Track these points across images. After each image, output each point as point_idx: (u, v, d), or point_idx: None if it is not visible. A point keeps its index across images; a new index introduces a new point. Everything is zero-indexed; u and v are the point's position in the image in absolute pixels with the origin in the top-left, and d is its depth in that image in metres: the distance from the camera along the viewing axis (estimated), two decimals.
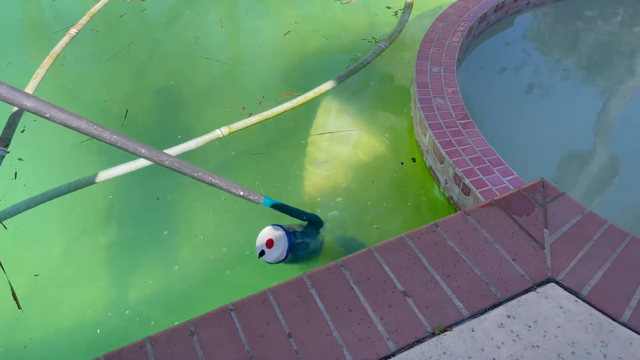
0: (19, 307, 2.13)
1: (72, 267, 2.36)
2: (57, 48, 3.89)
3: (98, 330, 2.09)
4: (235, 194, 1.84)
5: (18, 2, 4.97)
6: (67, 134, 3.14)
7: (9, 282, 2.19)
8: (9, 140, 2.89)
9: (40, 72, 3.58)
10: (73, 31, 4.14)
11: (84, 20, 4.36)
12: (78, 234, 2.52)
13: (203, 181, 1.71)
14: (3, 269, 2.24)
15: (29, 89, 3.40)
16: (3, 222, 2.28)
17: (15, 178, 2.77)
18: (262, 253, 2.04)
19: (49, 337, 2.08)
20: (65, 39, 4.03)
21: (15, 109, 3.20)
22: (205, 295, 2.21)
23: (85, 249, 2.44)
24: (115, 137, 1.44)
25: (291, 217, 2.22)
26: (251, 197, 1.90)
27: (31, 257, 2.41)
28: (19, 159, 2.90)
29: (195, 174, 1.67)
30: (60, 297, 2.24)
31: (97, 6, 4.59)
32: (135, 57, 3.96)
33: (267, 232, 2.07)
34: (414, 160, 2.78)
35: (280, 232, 2.03)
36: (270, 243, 2.03)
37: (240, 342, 1.34)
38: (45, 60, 3.73)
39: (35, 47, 4.12)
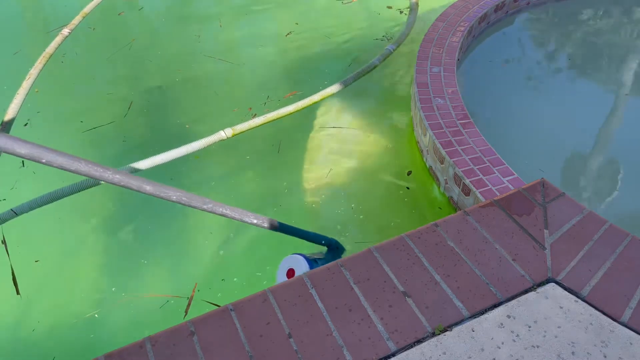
0: (18, 293, 2.19)
1: (71, 256, 2.39)
2: (50, 49, 3.89)
3: (96, 315, 2.13)
4: (247, 222, 1.73)
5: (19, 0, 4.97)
6: (69, 125, 3.17)
7: (12, 267, 2.27)
8: None
9: (33, 73, 3.58)
10: (66, 31, 4.14)
11: (76, 20, 4.35)
12: (78, 225, 2.54)
13: (214, 212, 1.61)
14: (7, 253, 2.31)
15: (23, 89, 3.41)
16: (13, 209, 2.35)
17: (23, 166, 2.82)
18: None
19: (54, 320, 2.12)
20: (57, 39, 4.02)
21: (11, 114, 3.20)
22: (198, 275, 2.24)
23: (86, 238, 2.47)
24: (117, 177, 1.33)
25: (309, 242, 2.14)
26: (265, 225, 1.79)
27: (33, 244, 2.44)
28: None
29: (204, 206, 1.56)
30: (62, 283, 2.28)
31: (90, 5, 4.58)
32: (137, 54, 3.97)
33: (288, 262, 1.97)
34: (409, 173, 2.76)
35: (302, 262, 1.93)
36: (291, 273, 1.95)
37: (240, 342, 1.34)
38: (39, 60, 3.73)
39: (36, 43, 4.13)
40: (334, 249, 2.17)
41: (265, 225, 1.78)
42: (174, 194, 1.45)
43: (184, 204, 1.49)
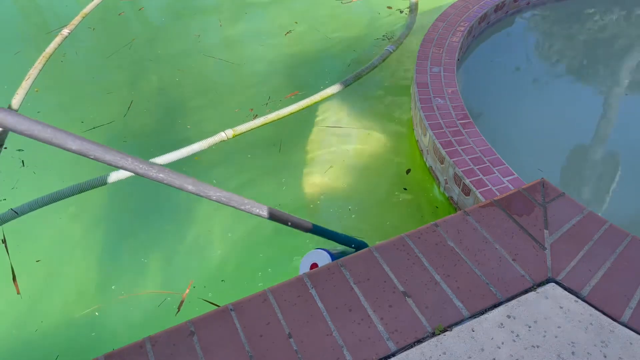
0: (18, 292, 2.21)
1: (71, 255, 2.40)
2: (50, 49, 3.90)
3: (97, 313, 2.14)
4: (283, 223, 1.75)
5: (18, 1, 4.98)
6: (70, 125, 3.18)
7: (12, 266, 2.28)
8: (3, 140, 2.98)
9: (33, 73, 3.59)
10: (65, 31, 4.14)
11: (76, 20, 4.36)
12: (78, 225, 2.54)
13: (251, 212, 1.63)
14: (8, 253, 2.33)
15: (23, 89, 3.42)
16: (14, 209, 2.37)
17: (23, 166, 2.83)
18: None
19: (55, 320, 2.13)
20: (57, 40, 4.03)
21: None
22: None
23: (86, 237, 2.48)
24: (161, 175, 1.35)
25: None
26: (299, 226, 1.81)
27: (33, 243, 2.45)
28: (19, 149, 2.94)
29: (242, 207, 1.58)
30: (62, 282, 2.29)
31: (90, 6, 4.59)
32: (137, 53, 3.97)
33: (313, 256, 1.98)
34: (408, 172, 2.76)
35: (326, 257, 1.93)
36: (314, 268, 1.94)
37: (240, 342, 1.34)
38: (38, 60, 3.74)
39: (37, 44, 4.13)
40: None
41: (300, 226, 1.80)
42: (214, 193, 1.48)
43: (223, 203, 1.52)
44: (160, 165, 1.35)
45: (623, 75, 3.67)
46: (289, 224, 1.74)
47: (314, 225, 1.86)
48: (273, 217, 1.67)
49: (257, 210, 1.61)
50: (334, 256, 1.93)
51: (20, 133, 1.08)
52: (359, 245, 2.10)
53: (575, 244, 1.64)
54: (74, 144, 1.17)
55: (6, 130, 3.08)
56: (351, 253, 2.07)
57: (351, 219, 2.51)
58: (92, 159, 1.21)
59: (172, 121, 3.24)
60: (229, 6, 4.78)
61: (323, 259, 1.91)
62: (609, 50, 3.98)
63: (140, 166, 1.28)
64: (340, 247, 2.09)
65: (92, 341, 2.03)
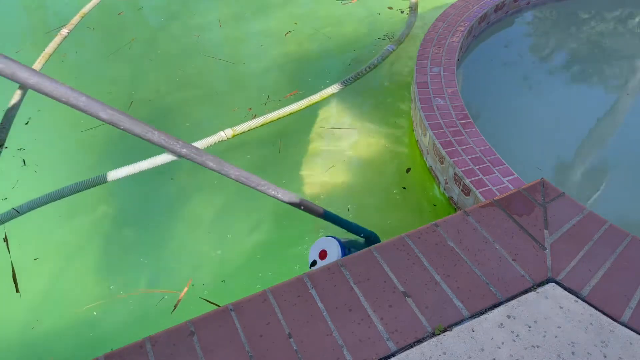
0: (17, 291, 2.21)
1: (71, 254, 2.40)
2: (49, 49, 3.89)
3: (95, 313, 2.14)
4: (295, 207, 1.79)
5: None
6: (70, 124, 3.18)
7: (12, 265, 2.29)
8: (4, 140, 2.98)
9: None
10: (64, 31, 4.14)
11: (75, 20, 4.35)
12: (79, 222, 2.54)
13: (266, 193, 1.68)
14: (9, 251, 2.34)
15: (22, 89, 3.41)
16: (15, 208, 2.37)
17: (24, 165, 2.84)
18: (314, 263, 2.01)
19: (53, 318, 2.14)
20: (57, 39, 4.02)
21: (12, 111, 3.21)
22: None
23: (86, 236, 2.48)
24: (184, 150, 1.43)
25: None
26: (312, 210, 1.85)
27: (33, 242, 2.46)
28: (20, 148, 2.94)
29: (259, 187, 1.63)
30: (61, 281, 2.29)
31: (89, 6, 4.58)
32: (137, 53, 3.97)
33: (322, 244, 2.02)
34: (407, 170, 2.76)
35: (335, 245, 1.97)
36: (323, 254, 1.99)
37: (240, 342, 1.34)
38: (38, 60, 3.74)
39: (37, 43, 4.13)
40: (372, 243, 2.17)
41: (312, 211, 1.86)
42: (233, 172, 1.54)
43: (241, 182, 1.59)
44: (184, 141, 1.40)
45: (624, 76, 3.67)
46: (302, 207, 1.79)
47: (326, 212, 1.89)
48: (286, 199, 1.72)
49: (272, 192, 1.67)
50: (343, 244, 1.96)
51: (56, 99, 1.13)
52: (369, 236, 2.13)
53: (575, 244, 1.64)
54: (105, 114, 1.21)
55: (6, 129, 3.07)
56: (360, 242, 2.12)
57: (351, 219, 2.50)
58: (121, 129, 1.26)
59: (172, 121, 3.24)
60: (229, 6, 4.77)
61: (332, 247, 1.94)
62: (610, 50, 3.98)
63: (166, 140, 1.35)
64: (350, 236, 2.12)
65: (90, 340, 2.03)
